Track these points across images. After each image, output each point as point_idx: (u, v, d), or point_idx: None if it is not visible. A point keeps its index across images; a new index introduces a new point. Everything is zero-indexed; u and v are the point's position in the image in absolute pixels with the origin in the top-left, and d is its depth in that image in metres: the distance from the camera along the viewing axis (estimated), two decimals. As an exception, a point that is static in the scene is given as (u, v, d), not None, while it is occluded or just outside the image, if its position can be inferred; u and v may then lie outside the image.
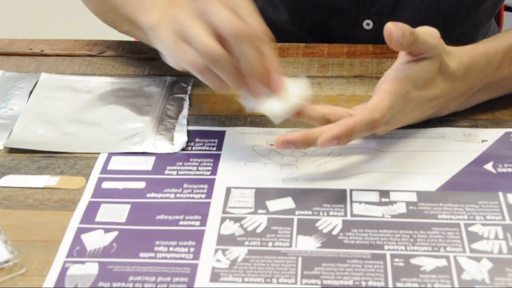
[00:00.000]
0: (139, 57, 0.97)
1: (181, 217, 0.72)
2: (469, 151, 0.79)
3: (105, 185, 0.77)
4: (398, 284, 0.65)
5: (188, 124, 0.85)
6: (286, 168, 0.78)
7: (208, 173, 0.78)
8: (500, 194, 0.74)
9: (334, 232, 0.70)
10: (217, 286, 0.65)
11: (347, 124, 0.72)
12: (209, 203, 0.74)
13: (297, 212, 0.72)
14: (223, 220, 0.72)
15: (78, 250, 0.69)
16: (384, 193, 0.74)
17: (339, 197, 0.74)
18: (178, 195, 0.75)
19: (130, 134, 0.83)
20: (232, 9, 0.73)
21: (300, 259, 0.67)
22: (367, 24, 1.02)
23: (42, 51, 0.98)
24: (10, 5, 2.61)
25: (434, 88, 0.78)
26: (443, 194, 0.74)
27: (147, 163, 0.79)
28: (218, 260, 0.68)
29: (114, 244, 0.70)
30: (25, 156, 0.81)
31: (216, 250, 0.69)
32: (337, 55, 0.96)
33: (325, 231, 0.70)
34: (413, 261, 0.67)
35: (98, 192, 0.76)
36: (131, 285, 0.66)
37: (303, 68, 0.93)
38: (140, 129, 0.84)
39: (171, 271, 0.67)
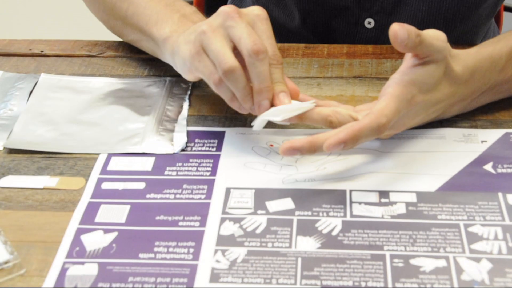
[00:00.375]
0: (139, 57, 0.97)
1: (181, 217, 0.72)
2: (469, 151, 0.79)
3: (105, 185, 0.77)
4: (397, 285, 0.65)
5: (187, 125, 0.85)
6: (285, 168, 0.78)
7: (208, 173, 0.78)
8: (500, 194, 0.74)
9: (334, 233, 0.70)
10: (216, 286, 0.65)
11: (353, 128, 0.72)
12: (208, 204, 0.74)
13: (296, 213, 0.72)
14: (222, 220, 0.72)
15: (77, 251, 0.69)
16: (383, 194, 0.74)
17: (339, 198, 0.74)
18: (177, 196, 0.75)
19: (130, 135, 0.83)
20: (252, 26, 0.76)
21: (299, 259, 0.67)
22: (369, 23, 1.02)
23: (42, 51, 0.98)
24: (10, 5, 2.61)
25: (439, 92, 0.78)
26: (443, 195, 0.74)
27: (147, 164, 0.79)
28: (217, 261, 0.68)
29: (114, 245, 0.70)
30: (25, 157, 0.81)
31: (216, 251, 0.69)
32: (336, 55, 0.96)
33: (324, 231, 0.70)
34: (413, 261, 0.67)
35: (98, 192, 0.76)
36: (130, 285, 0.66)
37: (303, 68, 0.93)
38: (140, 129, 0.84)
39: (171, 272, 0.67)
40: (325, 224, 0.71)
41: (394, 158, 0.79)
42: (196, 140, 0.82)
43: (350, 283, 0.65)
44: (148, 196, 0.75)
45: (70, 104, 0.88)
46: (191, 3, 0.99)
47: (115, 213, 0.73)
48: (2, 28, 2.48)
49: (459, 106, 0.82)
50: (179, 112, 0.86)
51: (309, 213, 0.72)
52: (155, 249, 0.69)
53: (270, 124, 0.80)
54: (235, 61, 0.74)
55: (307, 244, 0.69)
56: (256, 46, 0.74)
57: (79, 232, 0.71)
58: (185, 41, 0.79)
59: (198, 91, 0.90)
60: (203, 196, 0.75)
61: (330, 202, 0.73)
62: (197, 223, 0.72)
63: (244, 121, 0.85)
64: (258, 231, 0.71)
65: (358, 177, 0.76)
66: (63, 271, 0.67)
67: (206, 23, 0.77)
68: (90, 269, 0.67)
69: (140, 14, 0.89)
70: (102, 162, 0.80)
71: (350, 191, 0.75)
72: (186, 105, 0.87)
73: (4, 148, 0.82)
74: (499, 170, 0.77)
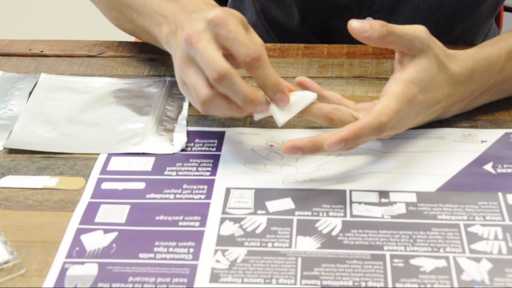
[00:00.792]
0: (139, 57, 0.97)
1: (181, 217, 0.73)
2: (469, 151, 0.79)
3: (105, 185, 0.77)
4: (397, 285, 0.65)
5: (187, 125, 0.85)
6: (285, 168, 0.78)
7: (208, 173, 0.78)
8: (500, 194, 0.74)
9: (334, 233, 0.70)
10: (216, 286, 0.65)
11: (354, 127, 0.72)
12: (208, 204, 0.74)
13: (296, 213, 0.72)
14: (222, 220, 0.72)
15: (77, 251, 0.69)
16: (383, 194, 0.74)
17: (339, 198, 0.74)
18: (177, 196, 0.75)
19: (130, 135, 0.83)
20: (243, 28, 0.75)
21: (299, 259, 0.67)
22: None
23: (42, 51, 0.98)
24: (10, 6, 2.61)
25: (438, 93, 0.78)
26: (443, 195, 0.74)
27: (147, 164, 0.79)
28: (217, 261, 0.68)
29: (114, 245, 0.70)
30: (25, 157, 0.81)
31: (216, 251, 0.69)
32: (336, 55, 0.96)
33: (324, 231, 0.70)
34: (413, 261, 0.67)
35: (98, 192, 0.76)
36: (130, 285, 0.66)
37: (302, 68, 0.93)
38: (140, 129, 0.84)
39: (171, 272, 0.67)
40: (325, 224, 0.71)
41: (394, 158, 0.79)
42: (196, 140, 0.82)
43: (350, 283, 0.65)
44: (148, 196, 0.75)
45: (70, 104, 0.88)
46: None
47: (115, 213, 0.73)
48: (2, 28, 2.48)
49: (459, 106, 0.82)
50: (179, 112, 0.86)
51: (309, 213, 0.72)
52: (155, 249, 0.69)
53: (270, 124, 0.80)
54: (228, 66, 0.73)
55: (307, 244, 0.69)
56: (254, 57, 0.73)
57: (79, 232, 0.71)
58: (176, 56, 0.78)
59: (198, 91, 0.90)
60: (203, 196, 0.75)
61: (330, 202, 0.73)
62: (197, 223, 0.72)
63: (244, 121, 0.85)
64: (258, 231, 0.71)
65: (358, 177, 0.76)
66: (63, 271, 0.67)
67: (195, 30, 0.74)
68: (90, 269, 0.67)
69: (143, 16, 0.88)
70: (102, 162, 0.80)
71: (350, 191, 0.75)
72: (186, 105, 0.87)
73: (4, 148, 0.82)
74: (499, 170, 0.77)
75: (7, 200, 0.75)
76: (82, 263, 0.68)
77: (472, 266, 0.66)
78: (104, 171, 0.79)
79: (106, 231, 0.71)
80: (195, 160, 0.80)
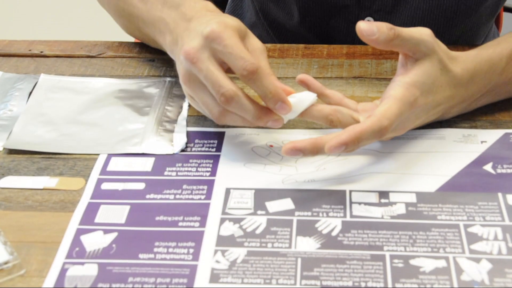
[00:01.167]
0: (139, 58, 0.97)
1: (181, 218, 0.73)
2: (469, 152, 0.79)
3: (105, 186, 0.77)
4: (397, 285, 0.65)
5: (187, 125, 0.85)
6: (285, 169, 0.78)
7: (208, 174, 0.78)
8: (500, 195, 0.74)
9: (334, 233, 0.70)
10: (216, 287, 0.65)
11: (354, 130, 0.72)
12: (208, 204, 0.74)
13: (296, 213, 0.72)
14: (222, 221, 0.72)
15: (77, 251, 0.69)
16: (383, 194, 0.74)
17: (339, 198, 0.74)
18: (177, 196, 0.75)
19: (130, 135, 0.83)
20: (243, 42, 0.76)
21: (299, 260, 0.67)
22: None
23: (42, 52, 0.98)
24: (10, 6, 2.61)
25: (439, 95, 0.78)
26: (443, 195, 0.74)
27: (147, 164, 0.79)
28: (217, 261, 0.68)
29: (114, 245, 0.70)
30: (25, 157, 0.81)
31: (216, 251, 0.69)
32: (336, 56, 0.96)
33: (324, 232, 0.70)
34: (413, 262, 0.67)
35: (98, 193, 0.76)
36: (130, 286, 0.66)
37: (302, 69, 0.93)
38: (140, 130, 0.84)
39: (171, 272, 0.67)
40: (325, 225, 0.71)
41: (394, 159, 0.79)
42: (196, 141, 0.82)
43: (350, 284, 0.65)
44: (148, 196, 0.75)
45: (70, 104, 0.88)
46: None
47: (115, 213, 0.73)
48: (2, 28, 2.48)
49: (459, 107, 0.82)
50: (179, 112, 0.86)
51: (309, 213, 0.72)
52: (155, 250, 0.69)
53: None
54: (233, 87, 0.74)
55: (307, 245, 0.69)
56: (252, 72, 0.73)
57: (79, 232, 0.71)
58: (179, 69, 0.79)
59: (198, 91, 0.90)
60: (203, 197, 0.75)
61: (330, 202, 0.73)
62: (197, 224, 0.72)
63: (244, 121, 0.85)
64: (258, 231, 0.71)
65: (358, 177, 0.76)
66: (63, 271, 0.67)
67: (194, 48, 0.75)
68: (90, 269, 0.67)
69: (148, 24, 0.89)
70: (102, 162, 0.80)
71: (350, 191, 0.75)
72: (186, 105, 0.87)
73: (4, 148, 0.82)
74: (499, 171, 0.77)
75: (7, 200, 0.75)
76: (82, 263, 0.68)
77: (472, 267, 0.66)
78: (104, 171, 0.79)
79: (106, 232, 0.71)
80: (195, 161, 0.80)
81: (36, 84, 0.92)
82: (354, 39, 1.04)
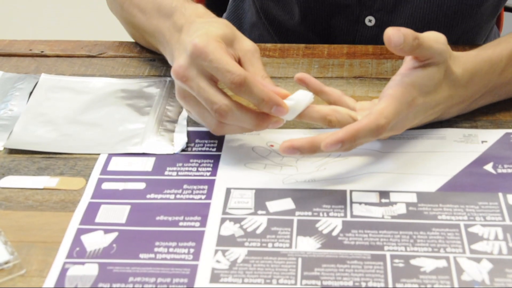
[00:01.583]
0: (139, 58, 0.97)
1: (181, 218, 0.73)
2: (469, 152, 0.79)
3: (105, 186, 0.77)
4: (398, 285, 0.65)
5: (188, 125, 0.85)
6: (286, 169, 0.78)
7: (208, 174, 0.78)
8: (500, 195, 0.74)
9: (334, 233, 0.70)
10: (217, 287, 0.65)
11: (351, 128, 0.72)
12: (209, 204, 0.74)
13: (297, 213, 0.72)
14: (223, 221, 0.72)
15: (78, 251, 0.69)
16: (384, 194, 0.74)
17: (339, 198, 0.74)
18: (178, 196, 0.75)
19: (130, 135, 0.83)
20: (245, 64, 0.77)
21: (300, 260, 0.67)
22: (369, 21, 1.02)
23: (42, 52, 0.98)
24: (10, 6, 2.61)
25: (438, 95, 0.78)
26: (443, 195, 0.74)
27: (147, 164, 0.79)
28: (218, 261, 0.68)
29: (114, 245, 0.70)
30: (25, 157, 0.81)
31: (216, 251, 0.69)
32: (337, 56, 0.96)
33: (325, 232, 0.70)
34: (413, 262, 0.67)
35: (98, 193, 0.76)
36: (131, 286, 0.66)
37: (303, 69, 0.93)
38: (140, 130, 0.84)
39: (171, 272, 0.67)
40: (326, 225, 0.71)
41: (394, 159, 0.79)
42: (197, 141, 0.82)
43: (350, 283, 0.65)
44: (148, 196, 0.75)
45: (70, 104, 0.88)
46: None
47: (115, 213, 0.73)
48: (2, 28, 2.48)
49: (458, 108, 0.82)
50: (179, 112, 0.86)
51: (310, 213, 0.72)
52: (156, 249, 0.69)
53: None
54: (226, 102, 0.74)
55: (308, 244, 0.69)
56: (239, 84, 0.73)
57: (80, 232, 0.71)
58: (175, 84, 0.79)
59: (198, 91, 0.90)
60: (203, 197, 0.75)
61: (331, 202, 0.73)
62: (198, 223, 0.72)
63: (244, 121, 0.85)
64: (258, 231, 0.71)
65: (358, 177, 0.76)
66: (64, 271, 0.67)
67: (183, 65, 0.75)
68: (91, 269, 0.67)
69: (150, 34, 0.90)
70: (102, 162, 0.80)
71: (351, 191, 0.75)
72: (186, 105, 0.87)
73: (4, 148, 0.82)
74: (500, 171, 0.77)
75: (7, 200, 0.75)
76: (83, 263, 0.68)
77: (473, 267, 0.66)
78: (104, 171, 0.79)
79: (106, 231, 0.71)
80: (195, 160, 0.80)
81: (36, 84, 0.92)
82: (355, 38, 1.04)
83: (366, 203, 0.73)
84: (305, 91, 0.76)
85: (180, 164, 0.79)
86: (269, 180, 0.77)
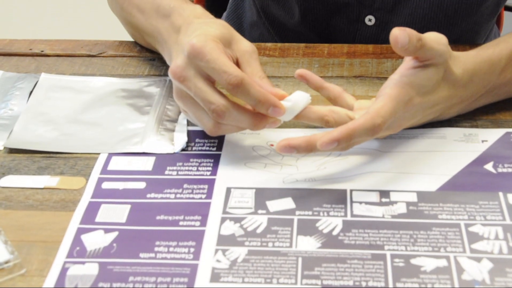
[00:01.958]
0: (139, 57, 0.97)
1: (181, 217, 0.72)
2: (469, 151, 0.79)
3: (105, 185, 0.77)
4: (398, 285, 0.65)
5: (188, 124, 0.85)
6: (286, 168, 0.78)
7: (208, 173, 0.78)
8: (500, 194, 0.74)
9: (334, 232, 0.70)
10: (217, 286, 0.65)
11: (347, 127, 0.72)
12: (209, 204, 0.74)
13: (297, 212, 0.72)
14: (223, 220, 0.72)
15: (78, 251, 0.69)
16: (384, 193, 0.74)
17: (339, 197, 0.74)
18: (178, 196, 0.75)
19: (130, 134, 0.83)
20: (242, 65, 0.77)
21: (300, 259, 0.67)
22: (369, 20, 1.02)
23: (42, 51, 0.98)
24: (10, 5, 2.61)
25: (436, 95, 0.77)
26: (443, 194, 0.74)
27: (147, 164, 0.79)
28: (218, 261, 0.68)
29: (114, 245, 0.70)
30: (25, 157, 0.81)
31: (216, 251, 0.69)
32: (337, 55, 0.96)
33: (325, 231, 0.70)
34: (413, 261, 0.67)
35: (98, 192, 0.76)
36: (131, 285, 0.66)
37: (303, 68, 0.93)
38: (140, 129, 0.84)
39: (171, 272, 0.67)
40: (326, 224, 0.71)
41: (394, 158, 0.79)
42: (197, 140, 0.82)
43: (350, 283, 0.65)
44: (148, 195, 0.75)
45: (71, 104, 0.88)
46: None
47: (115, 212, 0.73)
48: (2, 28, 2.48)
49: (458, 108, 0.82)
50: (179, 111, 0.86)
51: (310, 212, 0.72)
52: (156, 249, 0.69)
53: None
54: (222, 102, 0.74)
55: (308, 244, 0.69)
56: (235, 85, 0.73)
57: (80, 231, 0.71)
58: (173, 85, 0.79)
59: (198, 90, 0.90)
60: (203, 196, 0.75)
61: (331, 201, 0.73)
62: (198, 223, 0.72)
63: (244, 120, 0.85)
64: (258, 230, 0.71)
65: (358, 176, 0.76)
66: (64, 270, 0.67)
67: (180, 66, 0.75)
68: (91, 268, 0.67)
69: (149, 35, 0.90)
70: (103, 161, 0.80)
71: (351, 190, 0.75)
72: (186, 104, 0.87)
73: (5, 148, 0.82)
74: (500, 170, 0.77)
75: (8, 200, 0.75)
76: (83, 262, 0.68)
77: (473, 266, 0.66)
78: (104, 170, 0.79)
79: (106, 231, 0.71)
80: (195, 160, 0.80)
81: (36, 83, 0.92)
82: (355, 38, 1.04)
83: (366, 203, 0.73)
84: (303, 92, 0.76)
85: (180, 164, 0.79)
86: (269, 179, 0.77)
